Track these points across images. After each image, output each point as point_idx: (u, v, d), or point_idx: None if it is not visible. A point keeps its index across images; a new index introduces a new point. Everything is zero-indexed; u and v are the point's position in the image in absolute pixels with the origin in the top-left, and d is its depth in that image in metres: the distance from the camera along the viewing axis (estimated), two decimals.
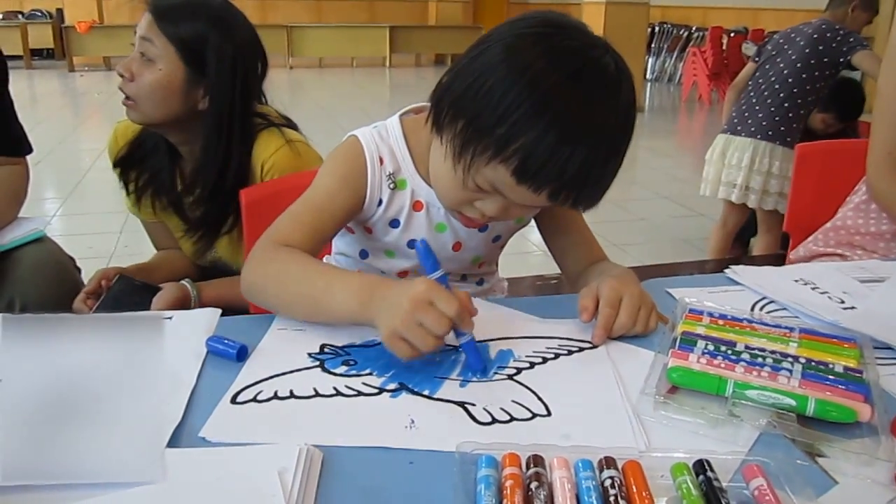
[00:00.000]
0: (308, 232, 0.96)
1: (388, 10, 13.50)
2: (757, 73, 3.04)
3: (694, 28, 10.78)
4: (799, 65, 2.87)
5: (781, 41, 2.98)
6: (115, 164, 1.53)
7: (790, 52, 2.91)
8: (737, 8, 11.05)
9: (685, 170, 5.29)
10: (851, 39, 2.81)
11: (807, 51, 2.85)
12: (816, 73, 2.86)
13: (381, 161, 1.01)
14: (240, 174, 1.40)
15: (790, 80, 2.89)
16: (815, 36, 2.85)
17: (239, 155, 1.40)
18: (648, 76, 11.22)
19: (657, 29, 11.19)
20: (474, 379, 0.77)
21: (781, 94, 2.90)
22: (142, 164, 1.53)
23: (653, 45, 11.17)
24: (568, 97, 0.79)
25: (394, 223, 1.05)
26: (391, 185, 1.02)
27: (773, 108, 2.93)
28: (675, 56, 11.11)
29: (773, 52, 2.98)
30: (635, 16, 7.67)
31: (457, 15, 13.58)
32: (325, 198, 0.99)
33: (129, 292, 1.43)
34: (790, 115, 2.91)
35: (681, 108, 9.22)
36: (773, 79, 2.94)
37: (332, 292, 0.84)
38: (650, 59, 11.15)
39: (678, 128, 8.11)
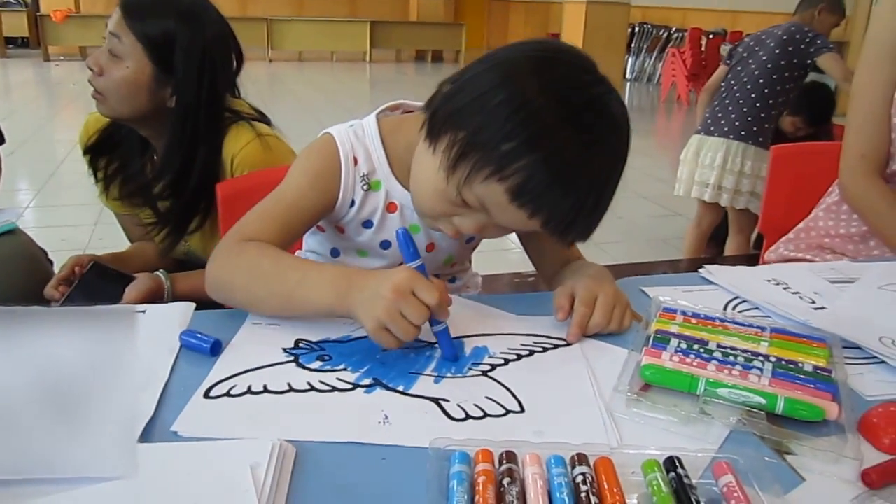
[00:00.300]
0: (277, 229, 0.95)
1: (369, 4, 13.46)
2: (729, 76, 3.09)
3: (674, 29, 10.85)
4: (769, 66, 2.92)
5: (752, 44, 3.04)
6: (85, 152, 1.52)
7: (761, 53, 2.97)
8: (716, 10, 11.13)
9: (663, 170, 5.33)
10: (819, 42, 2.88)
11: (777, 52, 2.91)
12: (786, 75, 2.92)
13: (356, 161, 0.99)
14: (207, 171, 1.39)
15: (761, 80, 2.94)
16: (785, 38, 2.91)
17: (205, 152, 1.39)
18: (628, 76, 11.29)
19: (637, 29, 11.26)
20: (448, 375, 0.78)
21: (753, 96, 2.96)
22: (111, 153, 1.52)
23: (633, 45, 11.23)
24: (567, 137, 0.78)
25: (367, 224, 1.04)
26: (364, 187, 1.00)
27: (745, 109, 2.98)
28: (654, 56, 11.19)
29: (745, 55, 3.04)
30: (616, 16, 7.71)
31: (438, 11, 13.56)
32: (296, 195, 0.98)
33: (102, 280, 1.41)
34: (762, 115, 2.97)
35: (659, 108, 9.28)
36: (744, 80, 2.99)
37: (308, 285, 0.84)
38: (630, 59, 11.21)
39: (656, 128, 8.17)
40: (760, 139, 2.97)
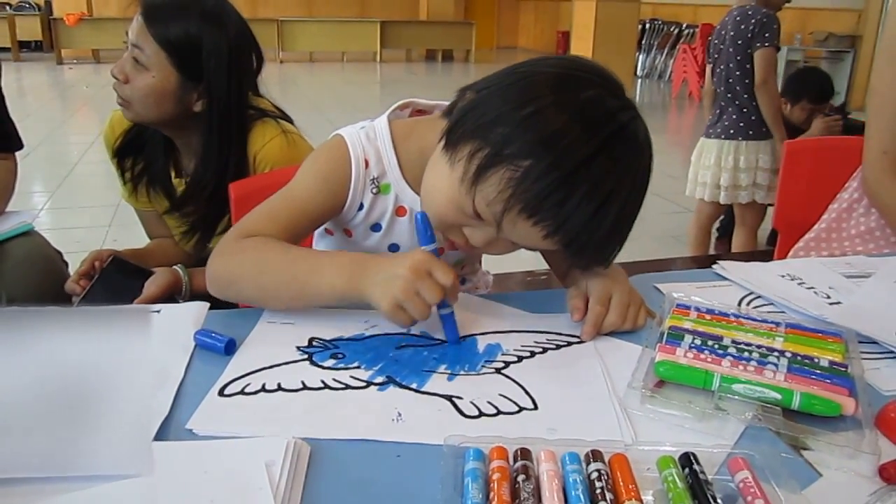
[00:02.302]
0: (282, 228, 0.94)
1: (379, 4, 13.49)
2: (714, 77, 3.18)
3: (684, 25, 10.80)
4: (738, 58, 2.97)
5: (717, 41, 3.10)
6: (114, 155, 1.53)
7: (726, 46, 3.02)
8: (727, 6, 11.03)
9: (674, 166, 5.30)
10: (766, 35, 2.89)
11: (739, 42, 2.95)
12: (748, 66, 2.96)
13: (367, 164, 0.98)
14: (238, 173, 1.40)
15: (736, 74, 3.00)
16: (733, 32, 2.96)
17: (237, 155, 1.40)
18: (638, 73, 11.24)
19: (648, 25, 11.21)
20: (462, 372, 0.78)
21: (732, 92, 3.04)
22: (138, 154, 1.53)
23: (643, 42, 11.18)
24: (590, 158, 0.77)
25: (375, 227, 1.03)
26: (374, 190, 0.99)
27: (730, 109, 3.07)
28: (665, 53, 11.14)
29: (716, 56, 3.11)
30: (626, 12, 7.67)
31: (448, 11, 13.55)
32: (304, 196, 0.97)
33: (121, 274, 1.43)
34: (744, 110, 3.02)
35: (670, 104, 9.24)
36: (723, 76, 3.06)
37: (320, 272, 0.84)
38: (640, 56, 11.17)
39: (667, 125, 8.13)
40: (751, 132, 3.02)
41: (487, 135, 0.80)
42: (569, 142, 0.76)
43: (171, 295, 1.41)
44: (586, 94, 0.80)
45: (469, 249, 0.91)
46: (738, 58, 2.93)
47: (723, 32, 3.02)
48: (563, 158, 0.76)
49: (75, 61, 11.11)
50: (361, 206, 1.00)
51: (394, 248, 1.05)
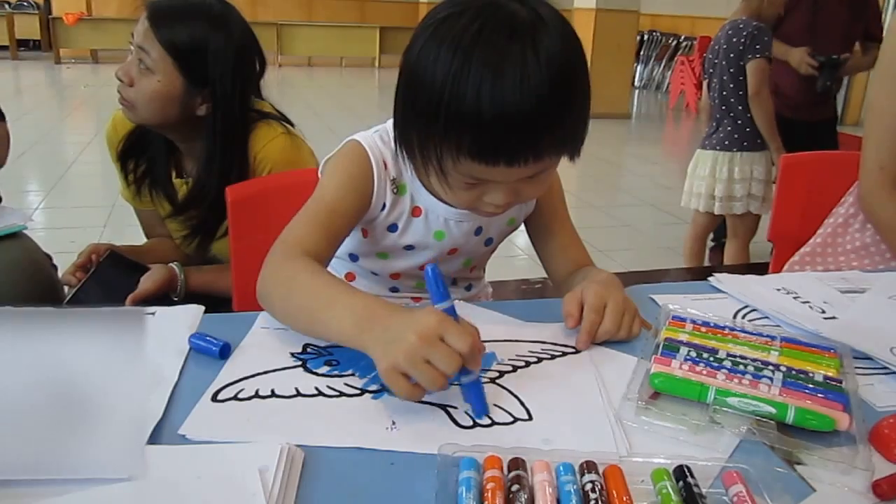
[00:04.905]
0: (323, 233, 0.94)
1: (378, 10, 13.50)
2: (710, 91, 3.18)
3: (682, 37, 10.84)
4: (731, 70, 2.98)
5: (711, 56, 3.11)
6: (118, 157, 1.53)
7: (720, 61, 3.03)
8: (725, 18, 11.11)
9: (671, 177, 5.32)
10: (758, 46, 2.90)
11: (731, 55, 2.96)
12: (741, 78, 2.97)
13: (385, 165, 1.00)
14: (240, 176, 1.40)
15: (724, 92, 3.02)
16: (726, 46, 2.97)
17: (239, 158, 1.40)
18: (637, 84, 11.27)
19: (646, 37, 11.25)
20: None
21: (724, 107, 3.05)
22: (141, 155, 1.53)
23: (641, 53, 11.23)
24: (487, 54, 0.78)
25: (392, 227, 1.05)
26: (394, 190, 1.01)
27: (725, 121, 3.07)
28: (663, 64, 11.18)
29: (711, 70, 3.12)
30: (625, 24, 7.72)
31: None
32: (335, 199, 0.97)
33: (117, 269, 1.42)
34: (739, 121, 3.03)
35: (668, 116, 9.27)
36: (718, 88, 3.07)
37: (332, 308, 0.79)
38: (639, 67, 11.21)
39: (665, 136, 8.15)
40: (745, 143, 3.03)
41: (411, 126, 0.87)
42: (462, 55, 0.79)
43: (166, 292, 1.40)
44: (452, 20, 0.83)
45: (506, 207, 0.93)
46: (732, 70, 2.96)
47: (716, 46, 3.05)
48: (466, 79, 0.79)
49: (73, 61, 11.09)
50: (384, 206, 1.02)
51: (409, 248, 1.06)
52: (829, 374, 0.78)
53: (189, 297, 1.41)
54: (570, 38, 0.83)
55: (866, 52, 3.28)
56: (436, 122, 0.82)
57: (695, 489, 0.58)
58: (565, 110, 0.83)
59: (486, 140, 0.81)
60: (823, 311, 1.00)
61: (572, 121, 0.85)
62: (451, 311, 0.72)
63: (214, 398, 0.72)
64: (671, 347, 0.82)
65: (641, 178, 5.64)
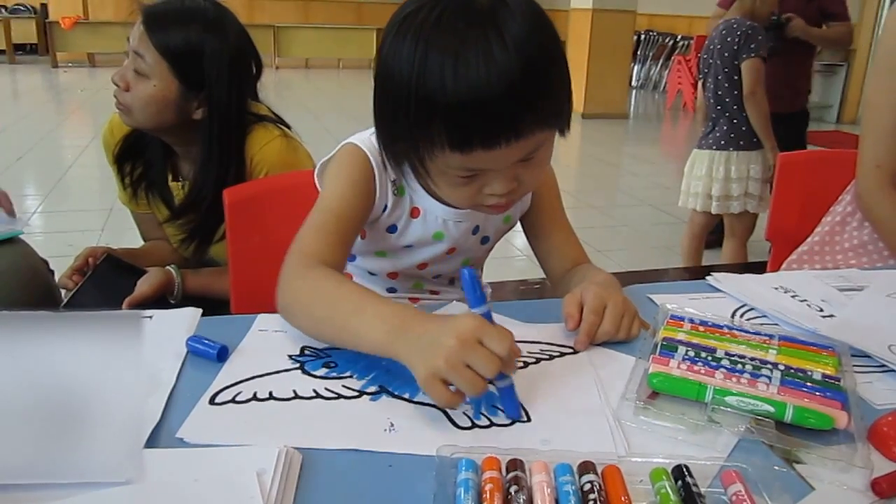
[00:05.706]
0: (334, 240, 0.94)
1: (375, 11, 13.48)
2: (705, 91, 3.19)
3: (679, 37, 10.86)
4: (726, 70, 2.99)
5: (706, 56, 3.12)
6: (115, 160, 1.53)
7: (714, 60, 3.04)
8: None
9: (668, 177, 5.32)
10: (752, 45, 2.91)
11: (725, 55, 2.97)
12: (736, 78, 2.98)
13: (385, 167, 1.00)
14: (238, 179, 1.40)
15: (719, 92, 3.04)
16: (720, 45, 2.98)
17: (236, 162, 1.40)
18: (634, 83, 11.29)
19: (643, 37, 11.26)
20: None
21: (719, 107, 3.06)
22: (137, 159, 1.53)
23: (638, 53, 11.23)
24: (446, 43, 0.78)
25: (391, 229, 1.05)
26: (395, 191, 1.02)
27: (721, 120, 3.08)
28: (660, 64, 11.20)
29: (706, 70, 3.13)
30: (621, 23, 7.72)
31: None
32: (340, 204, 0.97)
33: (114, 272, 1.42)
34: (734, 121, 3.04)
35: (665, 115, 9.28)
36: (713, 88, 3.08)
37: (361, 317, 0.77)
38: (636, 67, 11.22)
39: (662, 135, 8.16)
40: (741, 142, 3.04)
41: (392, 135, 0.88)
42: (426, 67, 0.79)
43: (164, 295, 1.40)
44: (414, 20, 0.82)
45: (510, 201, 0.92)
46: (726, 70, 2.97)
47: (711, 47, 3.06)
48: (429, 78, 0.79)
49: (70, 64, 11.08)
50: (386, 208, 1.02)
51: (408, 247, 1.07)
52: (828, 372, 0.78)
53: (186, 300, 1.41)
54: (536, 17, 0.82)
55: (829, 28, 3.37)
56: (407, 117, 0.82)
57: (693, 489, 0.57)
58: (541, 88, 0.82)
59: (456, 126, 0.80)
60: (821, 310, 1.00)
61: (552, 97, 0.84)
62: (488, 316, 0.71)
63: (212, 401, 0.71)
64: (669, 347, 0.82)
65: (639, 178, 5.64)
